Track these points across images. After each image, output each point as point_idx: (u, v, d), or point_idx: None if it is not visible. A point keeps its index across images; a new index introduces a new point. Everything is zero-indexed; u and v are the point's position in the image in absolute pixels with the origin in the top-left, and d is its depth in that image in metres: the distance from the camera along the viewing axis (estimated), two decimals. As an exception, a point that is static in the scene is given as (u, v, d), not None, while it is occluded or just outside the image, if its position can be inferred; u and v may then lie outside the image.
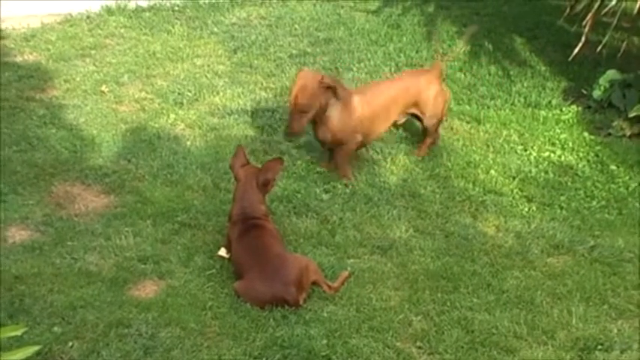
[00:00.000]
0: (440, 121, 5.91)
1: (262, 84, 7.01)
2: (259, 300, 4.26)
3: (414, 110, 5.77)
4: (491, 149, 6.05)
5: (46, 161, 5.61)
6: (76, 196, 5.29)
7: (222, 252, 4.72)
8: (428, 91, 5.76)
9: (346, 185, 5.47)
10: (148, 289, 4.45)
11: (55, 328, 4.07)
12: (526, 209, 5.34)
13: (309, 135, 6.03)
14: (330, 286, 4.42)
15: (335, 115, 5.40)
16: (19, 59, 7.31)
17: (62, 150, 5.77)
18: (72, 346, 3.97)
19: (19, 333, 2.64)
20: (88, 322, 4.12)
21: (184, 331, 4.10)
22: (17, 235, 4.87)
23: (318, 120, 5.41)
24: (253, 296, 4.29)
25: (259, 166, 4.85)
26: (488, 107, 6.71)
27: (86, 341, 4.01)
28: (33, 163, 5.57)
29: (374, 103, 5.57)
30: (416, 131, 6.10)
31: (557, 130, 6.35)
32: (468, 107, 6.67)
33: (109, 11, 8.46)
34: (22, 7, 8.16)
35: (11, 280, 4.42)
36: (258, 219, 4.60)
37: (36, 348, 2.63)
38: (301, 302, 4.28)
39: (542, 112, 6.63)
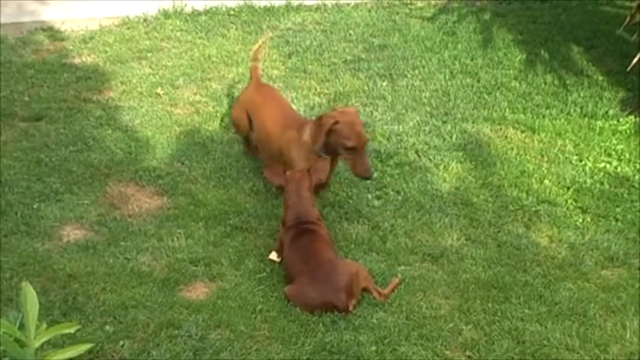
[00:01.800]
0: None
1: (316, 89, 7.02)
2: (309, 305, 4.27)
3: None
4: (546, 159, 5.98)
5: (102, 162, 5.68)
6: (129, 197, 5.35)
7: (274, 255, 4.73)
8: None
9: (398, 192, 5.45)
10: (198, 291, 4.48)
11: (107, 327, 4.12)
12: (580, 220, 5.27)
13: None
14: (380, 293, 4.40)
15: None
16: (77, 61, 7.41)
17: (117, 151, 5.83)
18: (123, 345, 4.01)
19: (72, 330, 2.66)
20: (139, 322, 4.16)
21: (234, 334, 4.12)
22: (72, 234, 4.94)
23: None
24: (303, 301, 4.29)
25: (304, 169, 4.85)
26: (544, 116, 6.63)
27: (137, 341, 4.05)
28: (89, 163, 5.64)
29: None
30: (469, 139, 6.06)
31: (614, 141, 6.26)
32: (522, 116, 6.61)
33: (165, 14, 8.55)
34: (81, 9, 8.31)
35: (65, 278, 4.48)
36: (311, 223, 4.60)
37: (88, 346, 2.65)
38: (351, 308, 4.27)
39: (599, 123, 6.55)
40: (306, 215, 4.63)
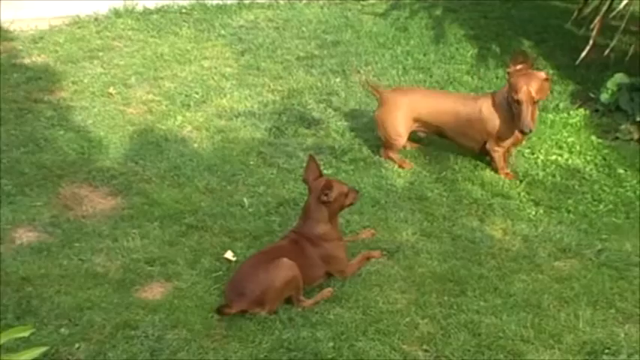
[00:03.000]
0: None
1: (269, 86, 7.02)
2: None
3: None
4: (499, 152, 6.03)
5: (54, 163, 5.62)
6: (83, 198, 5.30)
7: (229, 254, 4.72)
8: None
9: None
10: (154, 291, 4.46)
11: (62, 330, 4.08)
12: (533, 213, 5.33)
13: (316, 137, 6.05)
14: (300, 302, 4.33)
15: None
16: (27, 61, 7.32)
17: (70, 152, 5.78)
18: (79, 348, 3.98)
19: (26, 334, 2.64)
20: (95, 324, 4.13)
21: (191, 334, 4.10)
22: (25, 236, 4.88)
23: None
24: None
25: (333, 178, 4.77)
26: (496, 110, 6.69)
27: (93, 343, 4.02)
28: (41, 164, 5.58)
29: None
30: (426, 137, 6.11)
31: (565, 134, 6.33)
32: (475, 110, 6.65)
33: (116, 13, 8.48)
34: (30, 9, 8.18)
35: (19, 281, 4.43)
36: (305, 238, 4.51)
37: (43, 349, 2.63)
38: (263, 313, 4.22)
39: (550, 116, 6.62)
40: (308, 229, 4.53)
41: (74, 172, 5.55)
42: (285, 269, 4.27)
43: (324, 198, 4.48)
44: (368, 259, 4.75)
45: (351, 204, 4.69)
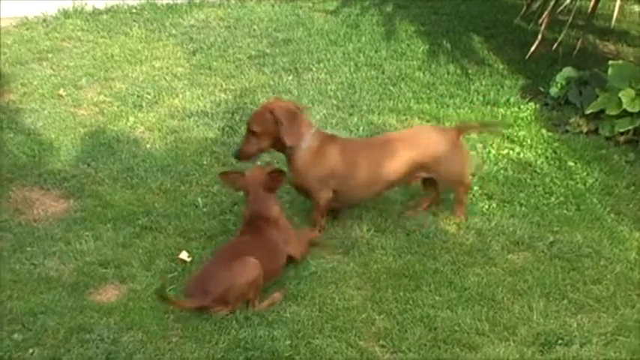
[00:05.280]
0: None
1: (222, 86, 7.00)
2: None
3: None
4: (451, 147, 6.07)
5: (4, 166, 5.55)
6: (34, 201, 5.24)
7: (184, 255, 4.70)
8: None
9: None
10: (109, 294, 4.42)
11: (15, 335, 4.03)
12: (486, 206, 5.37)
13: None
14: (255, 305, 4.32)
15: (302, 157, 4.90)
16: (-26, 63, 7.23)
17: (20, 155, 5.71)
18: (32, 353, 3.93)
19: (-22, 341, 2.61)
20: (48, 328, 4.08)
21: (147, 335, 4.08)
22: (-25, 241, 4.82)
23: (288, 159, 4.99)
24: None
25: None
26: (448, 106, 6.75)
27: (47, 347, 3.97)
28: (-10, 168, 5.52)
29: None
30: (376, 130, 6.12)
31: (516, 128, 6.40)
32: (427, 106, 6.70)
33: (65, 14, 8.40)
34: (-24, 10, 8.07)
35: (-31, 287, 4.37)
36: (265, 220, 4.60)
37: (-5, 355, 2.60)
38: (224, 312, 4.22)
39: (501, 110, 6.69)
40: (265, 211, 4.60)
41: (25, 176, 5.48)
42: (250, 269, 4.27)
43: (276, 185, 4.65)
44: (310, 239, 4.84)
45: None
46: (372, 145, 5.18)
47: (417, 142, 5.06)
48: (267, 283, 4.40)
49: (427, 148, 5.04)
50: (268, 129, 4.80)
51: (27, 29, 8.07)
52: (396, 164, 4.98)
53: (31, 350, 3.95)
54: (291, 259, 4.64)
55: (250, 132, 4.85)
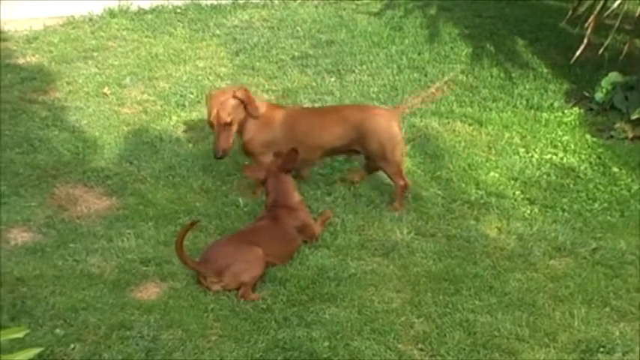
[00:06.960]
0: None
1: (264, 86, 7.02)
2: None
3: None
4: (493, 151, 6.04)
5: (49, 163, 5.61)
6: (78, 198, 5.29)
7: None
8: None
9: (348, 188, 5.46)
10: (149, 292, 4.45)
11: (57, 330, 4.07)
12: (528, 211, 5.33)
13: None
14: (244, 294, 4.38)
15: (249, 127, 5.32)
16: (21, 61, 7.32)
17: (64, 152, 5.77)
18: (74, 349, 3.97)
19: (20, 335, 2.63)
20: (89, 325, 4.12)
21: (186, 334, 4.10)
22: (19, 237, 4.88)
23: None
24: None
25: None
26: (490, 109, 6.70)
27: (88, 343, 4.01)
28: (35, 165, 5.57)
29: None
30: (418, 133, 6.10)
31: (560, 133, 6.34)
32: (470, 109, 6.67)
33: (111, 13, 8.48)
34: (24, 9, 8.17)
35: (13, 282, 4.42)
36: (285, 208, 4.85)
37: (38, 350, 2.63)
38: (213, 288, 4.42)
39: (545, 115, 6.63)
40: (285, 200, 4.85)
41: (69, 173, 5.54)
42: (254, 257, 4.49)
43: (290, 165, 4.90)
44: (326, 220, 5.08)
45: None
46: (313, 115, 5.61)
47: (348, 117, 5.36)
48: (280, 264, 4.63)
49: (357, 123, 5.29)
50: (238, 114, 5.21)
51: (73, 28, 8.16)
52: (328, 134, 5.34)
53: (72, 346, 3.98)
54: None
55: (222, 125, 5.16)
